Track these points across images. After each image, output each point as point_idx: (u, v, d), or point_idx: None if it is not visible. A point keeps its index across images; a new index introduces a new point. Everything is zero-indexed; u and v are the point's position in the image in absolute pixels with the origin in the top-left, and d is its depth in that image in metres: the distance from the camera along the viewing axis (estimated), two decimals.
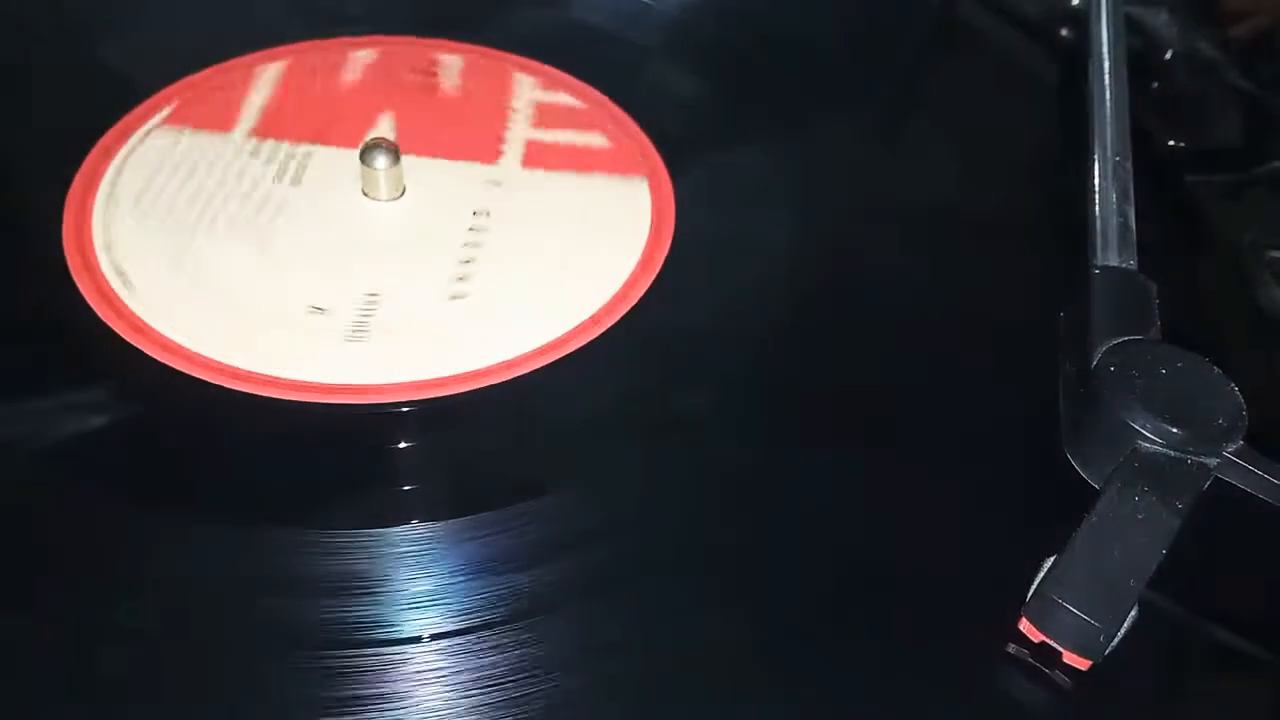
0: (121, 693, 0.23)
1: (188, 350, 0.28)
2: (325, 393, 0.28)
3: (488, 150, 0.35)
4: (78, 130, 0.34)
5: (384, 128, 0.35)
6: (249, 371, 0.28)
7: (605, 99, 0.37)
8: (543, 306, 0.30)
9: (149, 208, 0.32)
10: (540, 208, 0.33)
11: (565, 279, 0.31)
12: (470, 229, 0.32)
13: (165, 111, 0.34)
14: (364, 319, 0.30)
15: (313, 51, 0.37)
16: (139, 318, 0.29)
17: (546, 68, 0.38)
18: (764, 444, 0.28)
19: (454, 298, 0.30)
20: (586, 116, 0.36)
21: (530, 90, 0.37)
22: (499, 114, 0.36)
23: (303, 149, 0.34)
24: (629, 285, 0.31)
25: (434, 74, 0.37)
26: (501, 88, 0.37)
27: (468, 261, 0.31)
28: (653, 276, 0.31)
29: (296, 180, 0.33)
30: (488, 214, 0.33)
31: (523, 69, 0.37)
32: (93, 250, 0.31)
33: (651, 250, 0.32)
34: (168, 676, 0.23)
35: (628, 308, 0.30)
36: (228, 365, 0.28)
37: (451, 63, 0.37)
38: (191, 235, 0.31)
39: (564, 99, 0.36)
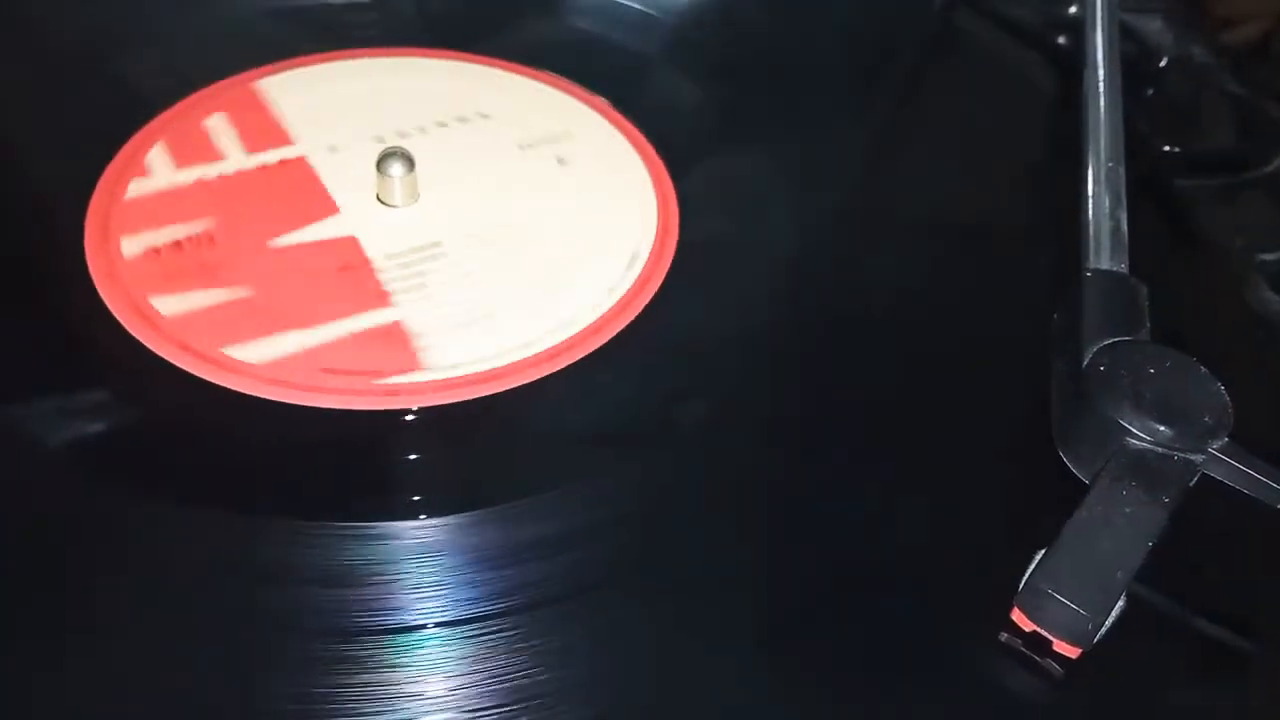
0: (127, 683, 0.23)
1: (206, 353, 0.29)
2: (334, 394, 0.29)
3: None
4: (102, 137, 0.35)
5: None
6: (264, 371, 0.29)
7: (608, 105, 0.38)
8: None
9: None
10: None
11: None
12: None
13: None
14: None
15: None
16: (152, 318, 0.30)
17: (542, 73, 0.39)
18: (764, 440, 0.29)
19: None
20: None
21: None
22: None
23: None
24: (635, 290, 0.32)
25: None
26: None
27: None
28: (659, 282, 0.32)
29: None
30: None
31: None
32: (119, 254, 0.31)
33: (658, 254, 0.33)
34: (172, 666, 0.24)
35: (634, 314, 0.31)
36: (247, 364, 0.29)
37: None
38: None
39: None
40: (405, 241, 0.33)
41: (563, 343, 0.30)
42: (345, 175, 0.34)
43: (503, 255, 0.33)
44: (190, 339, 0.29)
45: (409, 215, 0.33)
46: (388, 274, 0.32)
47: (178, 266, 0.31)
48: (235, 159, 0.35)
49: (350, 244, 0.32)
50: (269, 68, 0.38)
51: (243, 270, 0.31)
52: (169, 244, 0.32)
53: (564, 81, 0.38)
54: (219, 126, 0.36)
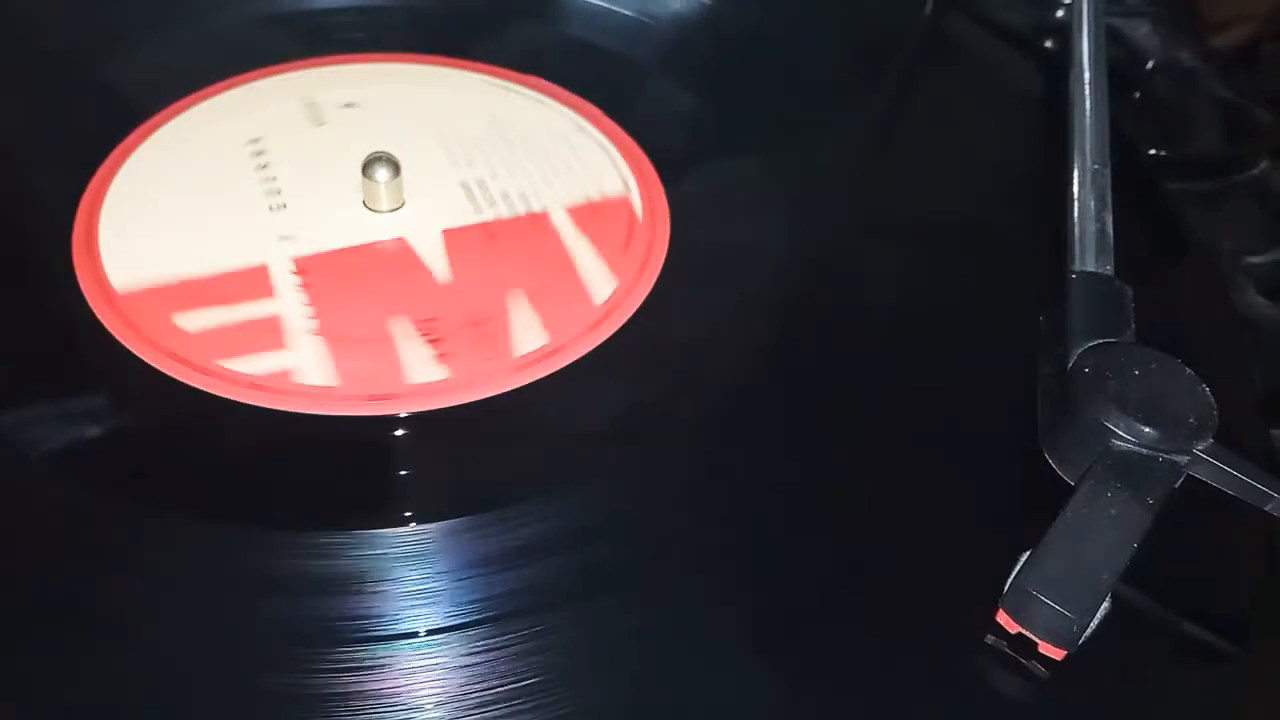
0: (122, 693, 0.23)
1: (195, 362, 0.29)
2: (329, 400, 0.29)
3: None
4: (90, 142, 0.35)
5: None
6: (250, 377, 0.29)
7: (599, 111, 0.38)
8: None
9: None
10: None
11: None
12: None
13: None
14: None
15: None
16: (140, 324, 0.30)
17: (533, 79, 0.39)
18: (754, 443, 0.29)
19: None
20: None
21: None
22: None
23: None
24: (622, 295, 0.32)
25: None
26: None
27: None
28: (649, 288, 0.32)
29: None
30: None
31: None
32: (99, 257, 0.32)
33: (645, 260, 0.33)
34: (167, 675, 0.24)
35: (623, 320, 0.31)
36: (232, 372, 0.29)
37: None
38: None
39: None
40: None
41: (552, 349, 0.30)
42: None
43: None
44: (178, 346, 0.29)
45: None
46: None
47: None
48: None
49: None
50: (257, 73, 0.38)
51: None
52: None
53: (552, 86, 0.38)
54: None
